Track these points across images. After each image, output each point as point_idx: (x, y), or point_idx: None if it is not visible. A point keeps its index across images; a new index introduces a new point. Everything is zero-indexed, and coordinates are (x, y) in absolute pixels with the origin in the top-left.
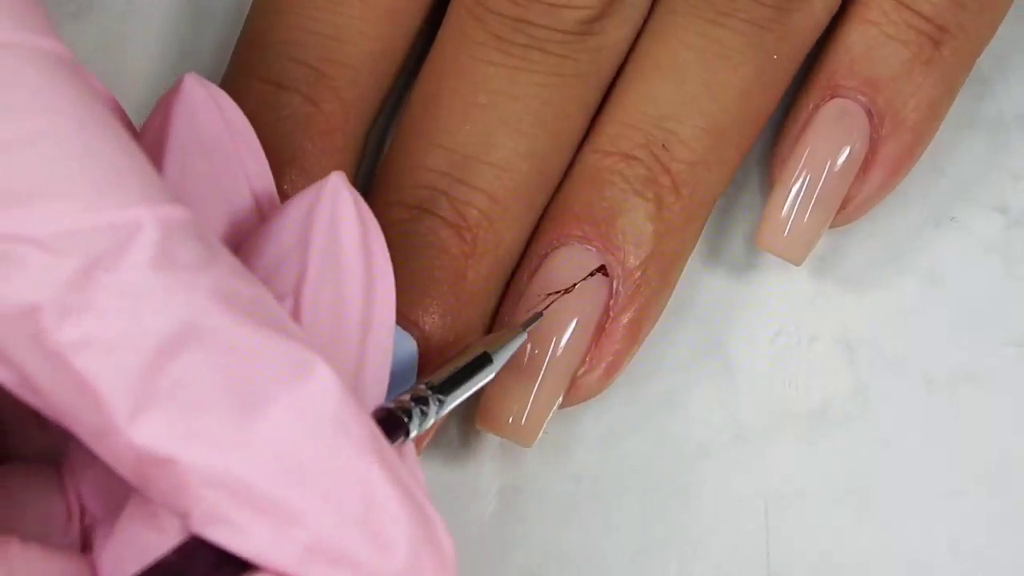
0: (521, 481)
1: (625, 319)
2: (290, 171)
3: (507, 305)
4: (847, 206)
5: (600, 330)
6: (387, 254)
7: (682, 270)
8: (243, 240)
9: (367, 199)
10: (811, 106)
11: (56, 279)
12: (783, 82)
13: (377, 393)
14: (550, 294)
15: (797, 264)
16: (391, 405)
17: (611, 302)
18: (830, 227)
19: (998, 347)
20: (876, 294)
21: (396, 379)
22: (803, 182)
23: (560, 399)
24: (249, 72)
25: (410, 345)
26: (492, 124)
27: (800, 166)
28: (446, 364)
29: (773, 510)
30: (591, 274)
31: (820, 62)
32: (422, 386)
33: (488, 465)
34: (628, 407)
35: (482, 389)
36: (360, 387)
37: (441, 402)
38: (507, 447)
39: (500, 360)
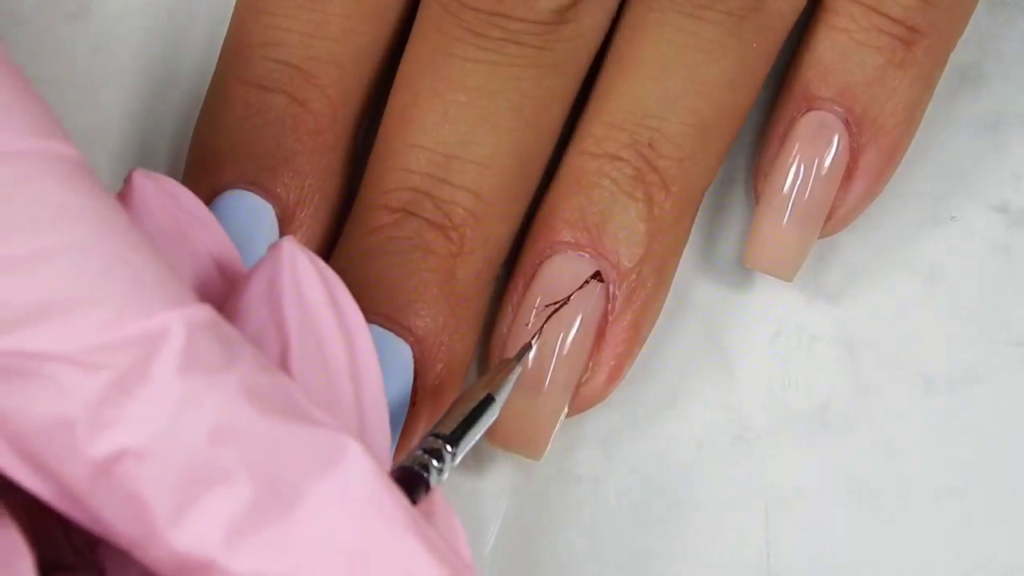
0: (521, 482)
1: (624, 322)
2: (283, 173)
3: (503, 316)
4: (832, 217)
5: (600, 336)
6: (354, 303)
7: (677, 266)
8: (217, 309)
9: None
10: (788, 119)
11: (87, 394)
12: (764, 69)
13: (383, 443)
14: (547, 305)
15: (788, 280)
16: (409, 463)
17: (609, 306)
18: (817, 239)
19: (998, 347)
20: (876, 294)
21: (393, 387)
22: (787, 198)
23: (566, 409)
24: (233, 76)
25: (405, 351)
26: (472, 121)
27: (782, 182)
28: (452, 411)
29: (773, 510)
30: (586, 282)
31: (793, 73)
32: (434, 438)
33: (488, 466)
34: (628, 407)
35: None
36: (369, 444)
37: (453, 453)
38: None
39: (502, 398)
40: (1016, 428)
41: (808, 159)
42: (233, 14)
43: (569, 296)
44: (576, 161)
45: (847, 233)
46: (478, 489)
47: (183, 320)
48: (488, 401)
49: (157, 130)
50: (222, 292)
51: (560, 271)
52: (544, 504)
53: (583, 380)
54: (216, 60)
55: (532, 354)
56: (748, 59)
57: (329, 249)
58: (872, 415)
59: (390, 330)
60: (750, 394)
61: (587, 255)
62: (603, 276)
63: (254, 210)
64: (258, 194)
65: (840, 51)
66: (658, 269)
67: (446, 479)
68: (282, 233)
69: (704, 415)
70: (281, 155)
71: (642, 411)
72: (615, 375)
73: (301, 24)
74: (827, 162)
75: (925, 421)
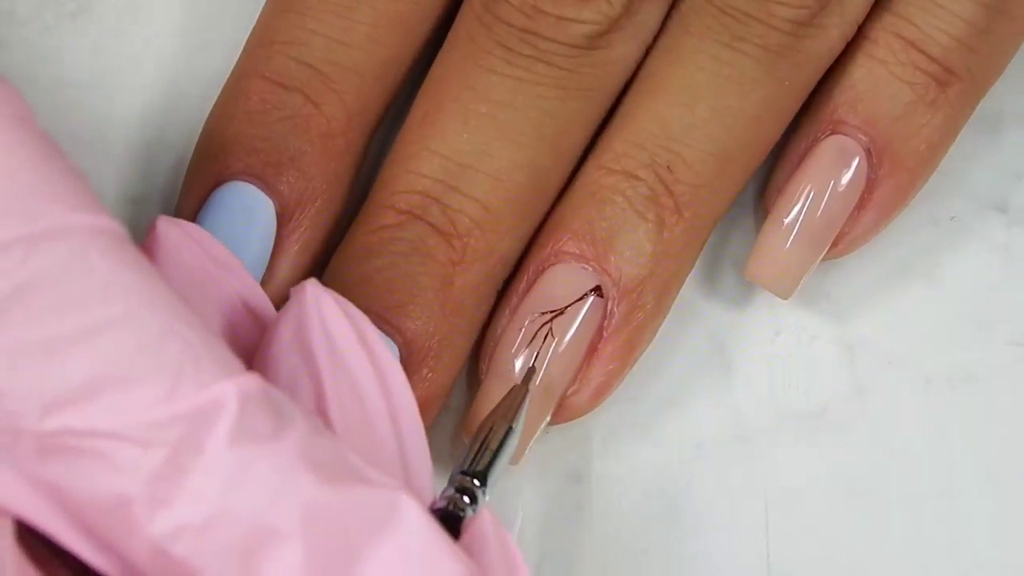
0: (521, 481)
1: (618, 341)
2: (288, 172)
3: (499, 318)
4: (838, 243)
5: (592, 351)
6: (382, 341)
7: (678, 293)
8: (250, 357)
9: (365, 200)
10: (811, 139)
11: (143, 472)
12: (792, 108)
13: (425, 477)
14: (543, 313)
15: (784, 298)
16: (444, 504)
17: (605, 323)
18: (819, 261)
19: (998, 347)
20: (876, 294)
21: None
22: (796, 217)
23: (547, 418)
24: (253, 69)
25: (392, 350)
26: (491, 134)
27: (795, 201)
28: (478, 448)
29: (773, 510)
30: (585, 295)
31: (822, 94)
32: (466, 477)
33: None
34: (628, 406)
35: (472, 402)
36: (409, 480)
37: (484, 489)
38: None
39: (519, 426)
40: (1016, 428)
41: (823, 182)
42: (263, 8)
43: (566, 307)
44: (593, 174)
45: None
46: None
47: (235, 391)
48: (509, 432)
49: (157, 130)
50: (254, 338)
51: (561, 281)
52: (544, 504)
53: (569, 393)
54: (215, 61)
55: (522, 359)
56: (778, 96)
57: (326, 255)
58: (872, 415)
59: (379, 328)
60: (750, 394)
61: (590, 268)
62: (603, 292)
63: (254, 204)
64: (261, 188)
65: (874, 81)
66: (659, 292)
67: (480, 511)
68: (279, 232)
69: (704, 415)
70: (289, 153)
71: (642, 411)
72: (601, 391)
73: (327, 28)
74: (842, 188)
75: (925, 421)
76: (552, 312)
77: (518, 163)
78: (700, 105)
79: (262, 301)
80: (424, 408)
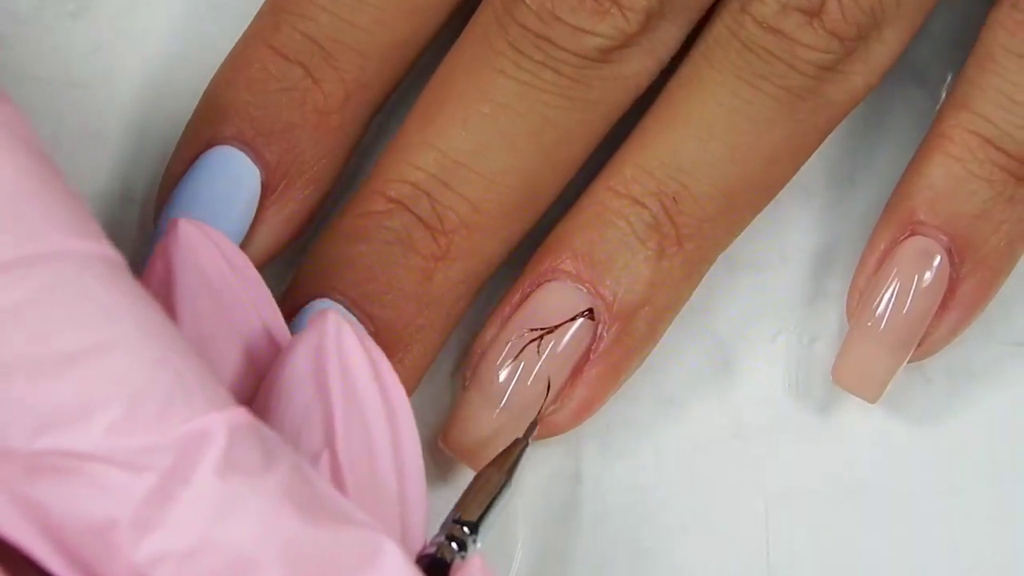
0: (521, 481)
1: (604, 365)
2: (278, 142)
3: (488, 327)
4: (922, 344)
5: (577, 372)
6: (395, 375)
7: (671, 322)
8: (261, 371)
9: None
10: (890, 241)
11: (131, 497)
12: (808, 152)
13: (419, 519)
14: (533, 330)
15: (871, 402)
16: (433, 550)
17: (593, 346)
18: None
19: (998, 346)
20: None
21: None
22: (881, 321)
23: (521, 433)
24: (258, 36)
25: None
26: (490, 135)
27: (877, 304)
28: (473, 497)
29: (773, 510)
30: (576, 317)
31: (900, 194)
32: (458, 526)
33: None
34: (628, 406)
35: (451, 409)
36: (405, 521)
37: (475, 538)
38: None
39: (516, 476)
40: (1016, 427)
41: (906, 285)
42: None
43: (555, 327)
44: (600, 195)
45: (847, 233)
46: None
47: (225, 423)
48: (506, 484)
49: (157, 130)
50: (269, 356)
51: (555, 299)
52: (544, 504)
53: (550, 411)
54: (215, 61)
55: (506, 372)
56: (795, 139)
57: (311, 230)
58: (872, 414)
59: (352, 313)
60: (750, 394)
61: (584, 290)
62: (595, 315)
63: (241, 171)
64: (249, 156)
65: (953, 180)
66: (651, 321)
67: (471, 558)
68: (261, 201)
69: (704, 414)
70: (281, 125)
71: (642, 410)
72: (582, 412)
73: (336, 6)
74: (925, 290)
75: (925, 420)
76: (541, 330)
77: (513, 167)
78: (715, 141)
79: (278, 317)
80: None
